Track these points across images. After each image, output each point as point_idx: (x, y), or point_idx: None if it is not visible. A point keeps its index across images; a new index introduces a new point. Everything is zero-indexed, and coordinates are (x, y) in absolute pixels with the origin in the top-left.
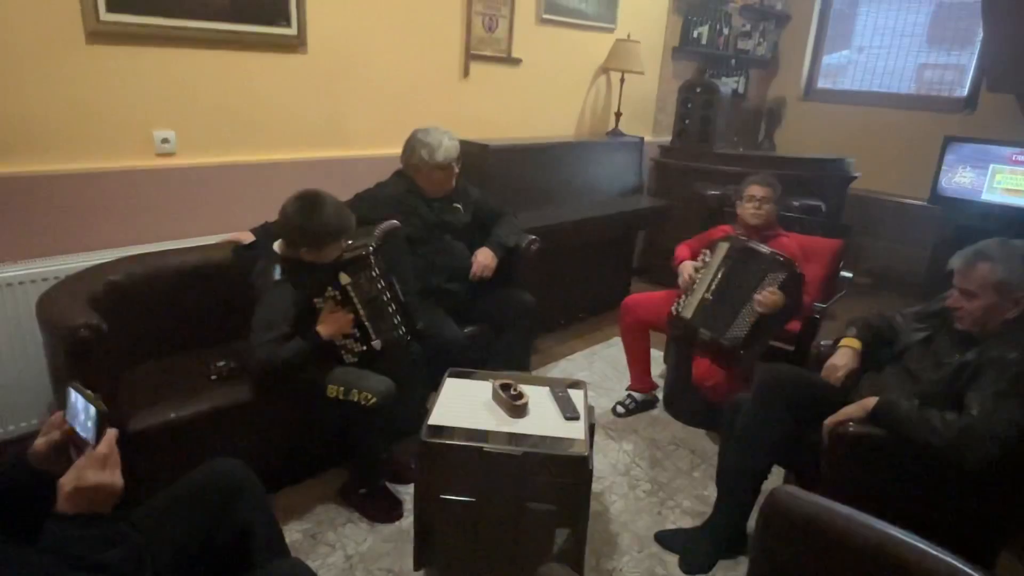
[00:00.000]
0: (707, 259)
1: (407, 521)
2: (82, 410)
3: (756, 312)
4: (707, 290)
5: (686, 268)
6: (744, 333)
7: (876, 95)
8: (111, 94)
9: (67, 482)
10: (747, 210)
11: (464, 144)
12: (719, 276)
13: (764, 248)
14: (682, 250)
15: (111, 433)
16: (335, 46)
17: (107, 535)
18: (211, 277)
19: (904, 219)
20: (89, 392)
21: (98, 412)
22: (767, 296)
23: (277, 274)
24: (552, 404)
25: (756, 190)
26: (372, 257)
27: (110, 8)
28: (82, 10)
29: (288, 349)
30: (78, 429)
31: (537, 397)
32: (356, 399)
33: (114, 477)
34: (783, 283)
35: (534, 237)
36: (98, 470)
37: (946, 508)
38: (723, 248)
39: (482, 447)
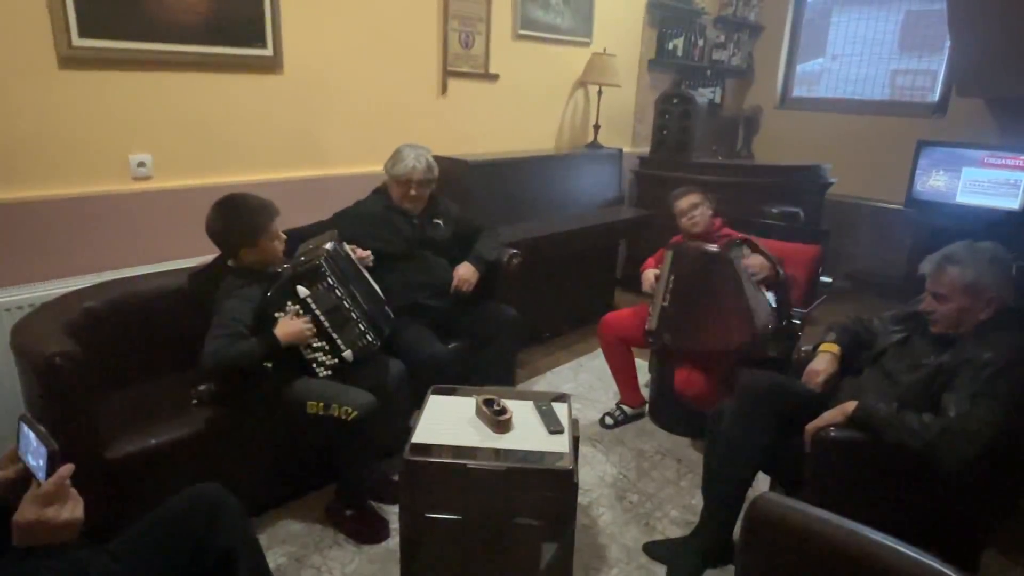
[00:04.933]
0: (661, 268)
1: (394, 541)
2: (34, 445)
3: (760, 285)
4: (663, 299)
5: (646, 277)
6: (770, 309)
7: (850, 102)
8: (86, 119)
9: (17, 517)
10: (684, 224)
11: (444, 160)
12: (670, 284)
13: (708, 246)
14: (649, 262)
15: (62, 470)
16: (312, 66)
17: (66, 567)
18: (190, 301)
19: (881, 223)
20: (40, 428)
21: (48, 449)
22: (752, 262)
23: (235, 284)
24: (536, 418)
25: (682, 204)
26: (326, 266)
27: (82, 33)
28: (54, 36)
29: (242, 345)
30: (30, 464)
31: (521, 412)
32: (337, 414)
33: (60, 513)
34: (752, 249)
35: (515, 251)
36: (39, 507)
37: (929, 510)
38: (669, 256)
39: (466, 464)
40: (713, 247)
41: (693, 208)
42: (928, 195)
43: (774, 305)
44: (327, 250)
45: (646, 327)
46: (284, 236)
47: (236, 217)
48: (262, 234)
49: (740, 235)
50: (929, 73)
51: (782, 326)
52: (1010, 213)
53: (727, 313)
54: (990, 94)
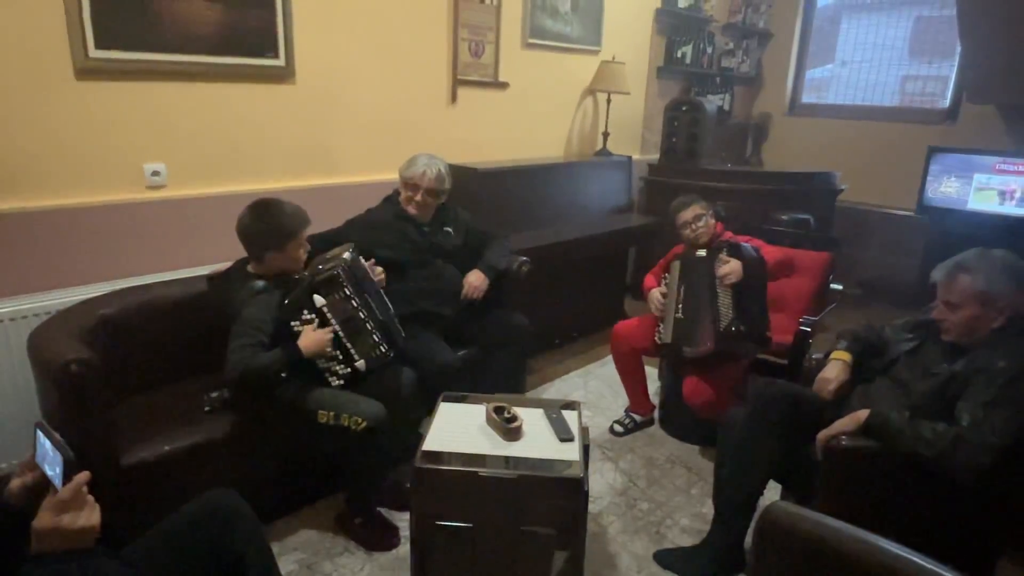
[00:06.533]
0: (667, 282)
1: (404, 548)
2: (50, 454)
3: (727, 289)
4: (676, 311)
5: (652, 297)
6: (732, 313)
7: (860, 108)
8: (101, 129)
9: (35, 524)
10: (688, 237)
11: (454, 168)
12: (681, 294)
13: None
14: (649, 280)
15: (78, 477)
16: (323, 76)
17: (82, 573)
18: (204, 308)
19: (892, 230)
20: (56, 435)
21: (64, 457)
22: (723, 268)
23: (257, 287)
24: (546, 426)
25: (686, 215)
26: (343, 276)
27: (99, 45)
28: (71, 47)
29: (264, 357)
30: (47, 471)
31: (531, 419)
32: (346, 424)
33: (76, 520)
34: (730, 252)
35: (525, 259)
36: (56, 514)
37: (942, 519)
38: (676, 267)
39: (477, 472)
40: (703, 252)
41: (697, 220)
42: (939, 202)
43: (732, 312)
44: (345, 259)
45: (659, 340)
46: (308, 246)
47: (270, 220)
48: (292, 240)
49: (733, 238)
50: (940, 79)
51: (741, 331)
52: (1022, 220)
53: (702, 315)
54: (1001, 100)
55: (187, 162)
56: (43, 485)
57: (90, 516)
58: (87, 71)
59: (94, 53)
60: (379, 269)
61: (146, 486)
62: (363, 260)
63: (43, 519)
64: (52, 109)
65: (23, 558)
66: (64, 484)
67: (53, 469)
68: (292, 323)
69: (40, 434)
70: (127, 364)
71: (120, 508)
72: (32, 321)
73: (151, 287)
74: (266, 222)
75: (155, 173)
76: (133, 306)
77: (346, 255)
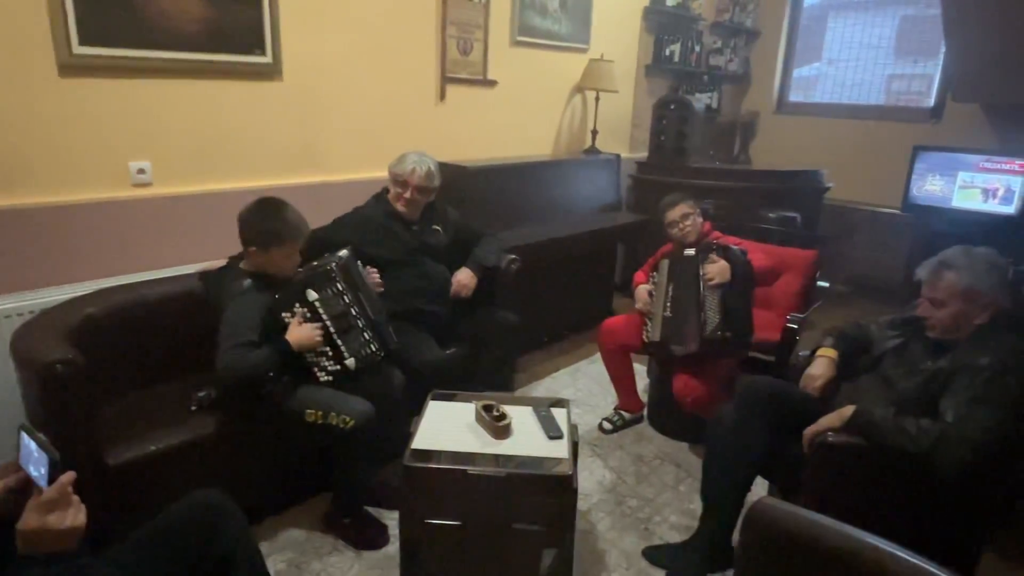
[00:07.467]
0: (656, 280)
1: (393, 547)
2: (35, 455)
3: (714, 291)
4: (664, 309)
5: (639, 293)
6: (718, 318)
7: (847, 107)
8: (86, 126)
9: (20, 525)
10: (675, 236)
11: (443, 166)
12: (670, 292)
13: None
14: (639, 276)
15: (64, 477)
16: (311, 73)
17: (69, 574)
18: (190, 306)
19: (878, 227)
20: (41, 436)
21: (49, 457)
22: (711, 268)
23: (244, 286)
24: (535, 424)
25: (673, 214)
26: (337, 271)
27: (83, 41)
28: (54, 43)
29: (256, 355)
30: (31, 473)
31: (520, 417)
32: (334, 423)
33: (62, 520)
34: (718, 252)
35: (514, 256)
36: (41, 515)
37: (926, 514)
38: (665, 265)
39: (466, 470)
40: (691, 251)
41: (684, 218)
42: (924, 200)
43: (718, 315)
44: (340, 257)
45: (645, 339)
46: (299, 259)
47: (265, 218)
48: (278, 245)
49: (722, 239)
50: (925, 78)
51: (727, 336)
52: (1006, 218)
53: (690, 314)
54: (986, 99)
55: (173, 160)
56: (27, 487)
57: (76, 516)
58: (71, 68)
59: (78, 50)
60: (377, 280)
61: (132, 486)
62: (360, 263)
63: (29, 520)
64: (35, 106)
65: (8, 560)
66: (49, 484)
67: (38, 470)
68: (283, 314)
69: (24, 436)
70: (112, 363)
71: (106, 508)
72: (16, 320)
73: (136, 286)
74: (258, 218)
75: (140, 171)
76: (118, 305)
77: (342, 253)
